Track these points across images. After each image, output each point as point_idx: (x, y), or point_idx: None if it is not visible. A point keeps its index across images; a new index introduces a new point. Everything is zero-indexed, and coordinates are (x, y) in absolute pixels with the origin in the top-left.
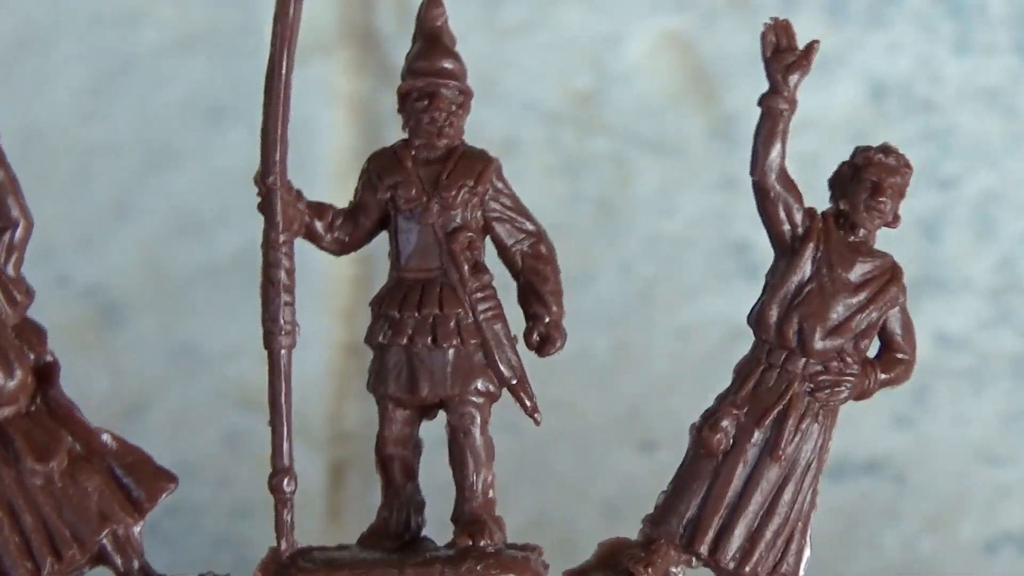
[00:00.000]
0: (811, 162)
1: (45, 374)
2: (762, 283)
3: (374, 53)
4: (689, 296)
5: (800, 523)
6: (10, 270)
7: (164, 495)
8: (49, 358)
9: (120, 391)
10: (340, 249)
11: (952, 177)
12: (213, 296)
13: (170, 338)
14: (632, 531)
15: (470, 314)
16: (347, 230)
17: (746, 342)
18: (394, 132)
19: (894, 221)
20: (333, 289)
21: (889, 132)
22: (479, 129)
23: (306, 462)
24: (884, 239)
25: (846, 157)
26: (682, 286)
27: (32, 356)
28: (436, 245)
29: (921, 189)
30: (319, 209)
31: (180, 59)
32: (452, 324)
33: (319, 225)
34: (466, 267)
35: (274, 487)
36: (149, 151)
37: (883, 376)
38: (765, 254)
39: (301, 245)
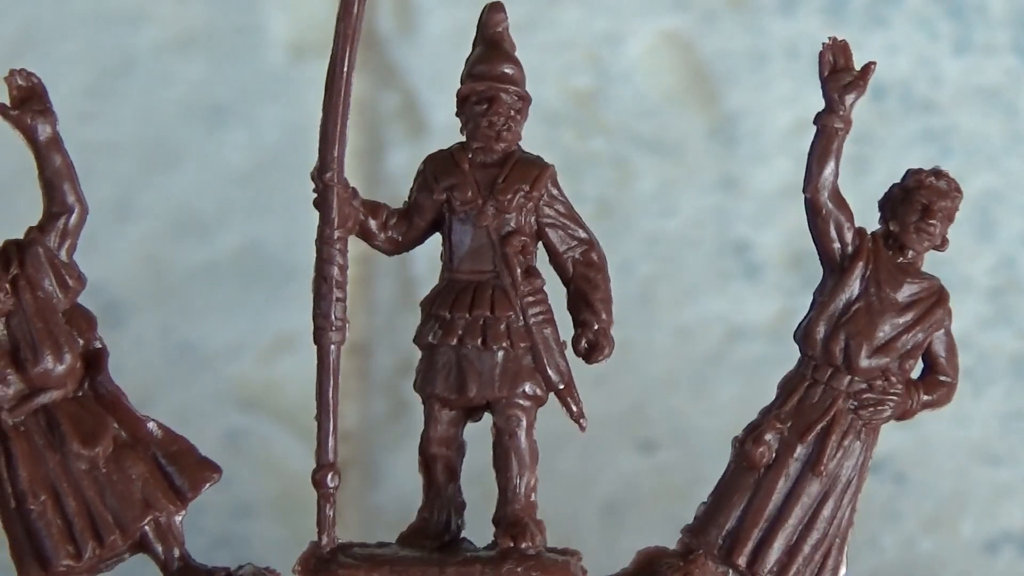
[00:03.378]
0: None
1: (93, 360)
2: (762, 283)
3: (374, 53)
4: (689, 296)
5: (838, 539)
6: (63, 255)
7: (207, 485)
8: (98, 344)
9: None
10: (393, 248)
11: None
12: (213, 296)
13: (170, 338)
14: (631, 531)
15: (521, 317)
16: (401, 230)
17: (746, 343)
18: (394, 132)
19: (942, 244)
20: None
21: (889, 132)
22: None
23: (306, 462)
24: None
25: (845, 157)
26: (682, 286)
27: (81, 342)
28: (490, 248)
29: None
30: (373, 208)
31: (180, 59)
32: (503, 327)
33: (373, 224)
34: (519, 271)
35: (317, 481)
36: (149, 151)
37: (926, 397)
38: (765, 254)
39: (297, 243)
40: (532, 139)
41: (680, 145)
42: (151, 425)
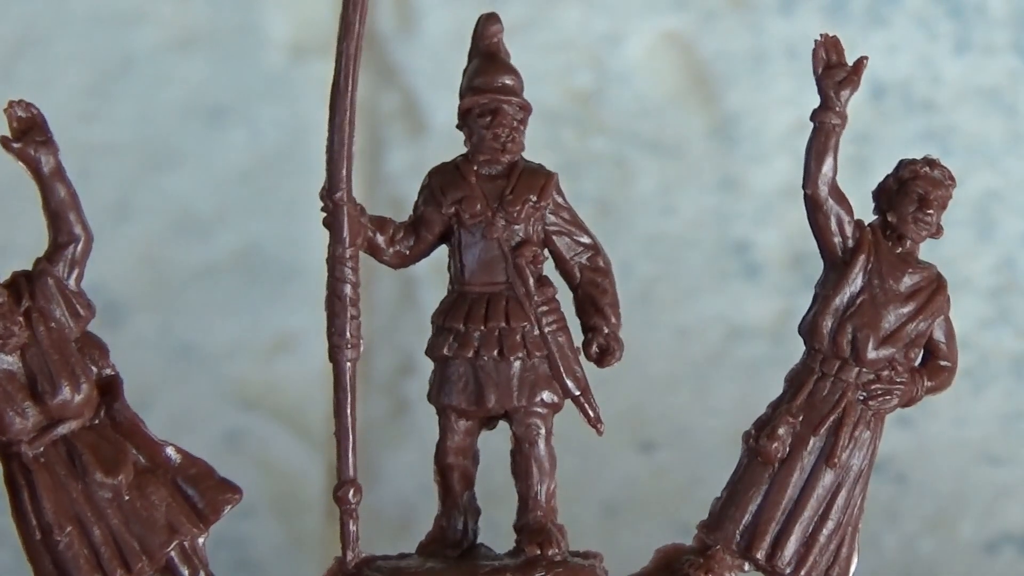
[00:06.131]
0: None
1: (108, 387)
2: (762, 283)
3: (374, 53)
4: (689, 296)
5: (851, 528)
6: (72, 284)
7: (228, 507)
8: (110, 371)
9: None
10: (400, 262)
11: None
12: (213, 296)
13: (170, 338)
14: (631, 531)
15: (536, 327)
16: (408, 244)
17: (746, 343)
18: (394, 132)
19: (938, 232)
20: None
21: (889, 132)
22: None
23: (306, 462)
24: None
25: (845, 157)
26: (682, 286)
27: (95, 370)
28: (501, 259)
29: None
30: (381, 223)
31: (180, 59)
32: (518, 337)
33: (381, 239)
34: (531, 280)
35: (339, 498)
36: (149, 151)
37: (929, 383)
38: (765, 254)
39: (297, 243)
40: (532, 139)
41: (680, 145)
42: (169, 450)
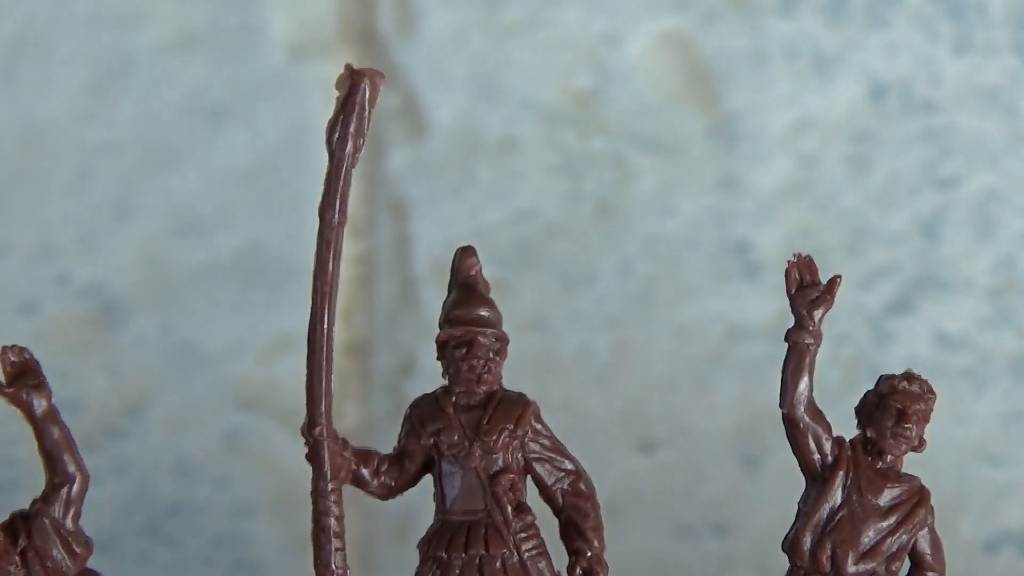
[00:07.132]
0: (811, 162)
1: None
2: (762, 283)
3: (374, 53)
4: (689, 296)
5: None
6: (68, 524)
7: None
8: None
9: (120, 391)
10: (387, 494)
11: (952, 177)
12: (213, 296)
13: (170, 338)
14: (631, 531)
15: (515, 554)
16: (393, 475)
17: (746, 343)
18: (394, 132)
19: (920, 445)
20: None
21: (889, 132)
22: (479, 128)
23: (306, 462)
24: (886, 244)
25: (845, 157)
26: (682, 286)
27: None
28: (480, 488)
29: (921, 189)
30: (365, 457)
31: (180, 59)
32: (498, 564)
33: (365, 472)
34: (509, 508)
35: None
36: (149, 151)
37: None
38: (765, 254)
39: (297, 243)
40: (532, 139)
41: (680, 145)
42: None
